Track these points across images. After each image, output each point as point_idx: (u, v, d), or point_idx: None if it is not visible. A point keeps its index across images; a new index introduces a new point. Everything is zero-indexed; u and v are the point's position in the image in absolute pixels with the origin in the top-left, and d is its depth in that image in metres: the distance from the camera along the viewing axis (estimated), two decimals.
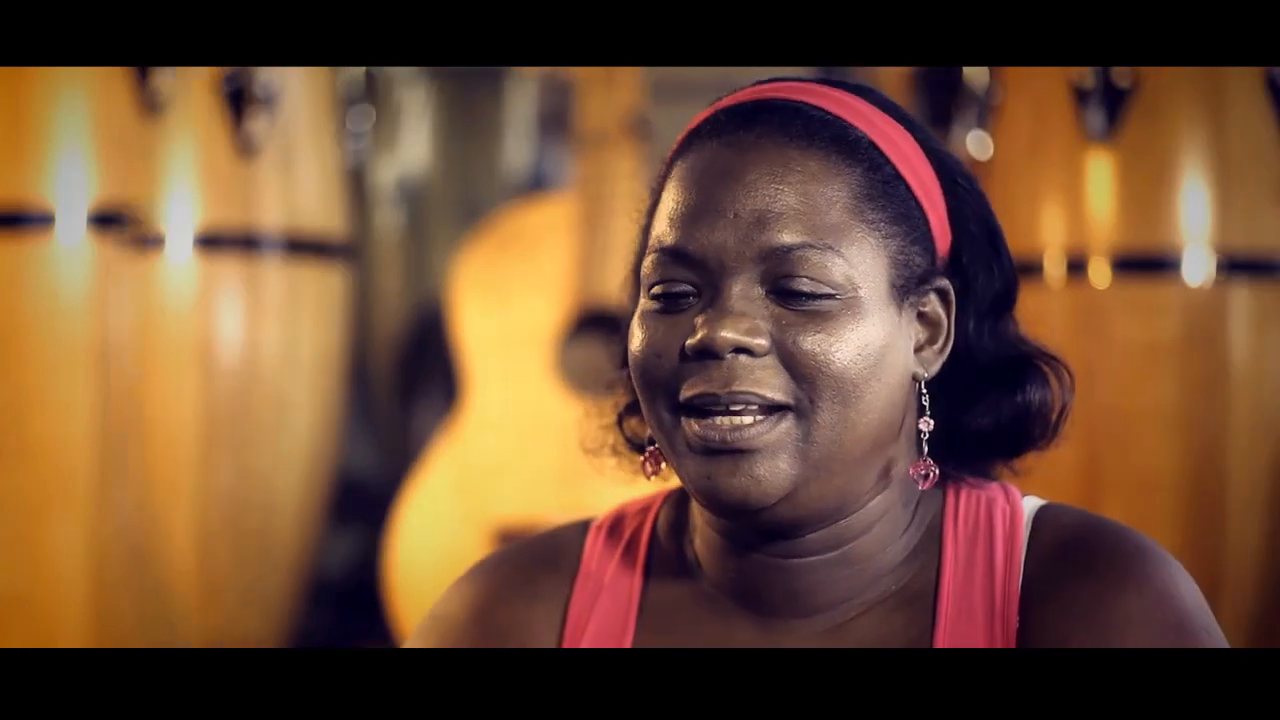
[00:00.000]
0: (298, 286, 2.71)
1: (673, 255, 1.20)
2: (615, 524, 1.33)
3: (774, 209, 1.18)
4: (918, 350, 1.23)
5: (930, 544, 1.26)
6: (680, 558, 1.29)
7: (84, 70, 2.30)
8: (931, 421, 1.23)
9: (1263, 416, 2.43)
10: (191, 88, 2.62)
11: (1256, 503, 2.43)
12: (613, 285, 2.95)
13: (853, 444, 1.19)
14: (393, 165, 3.62)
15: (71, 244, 2.34)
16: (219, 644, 2.63)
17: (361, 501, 3.35)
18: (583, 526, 1.34)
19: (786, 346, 1.17)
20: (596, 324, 2.98)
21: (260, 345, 2.66)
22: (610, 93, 3.00)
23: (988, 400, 1.26)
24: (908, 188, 1.22)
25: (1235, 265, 2.43)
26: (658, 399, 1.20)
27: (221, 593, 2.64)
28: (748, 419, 1.17)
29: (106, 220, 2.32)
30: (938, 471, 1.23)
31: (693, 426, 1.18)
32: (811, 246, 1.17)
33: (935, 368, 1.24)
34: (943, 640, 1.22)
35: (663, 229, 1.21)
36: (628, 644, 1.27)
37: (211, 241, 2.63)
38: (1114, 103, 2.44)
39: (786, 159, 1.19)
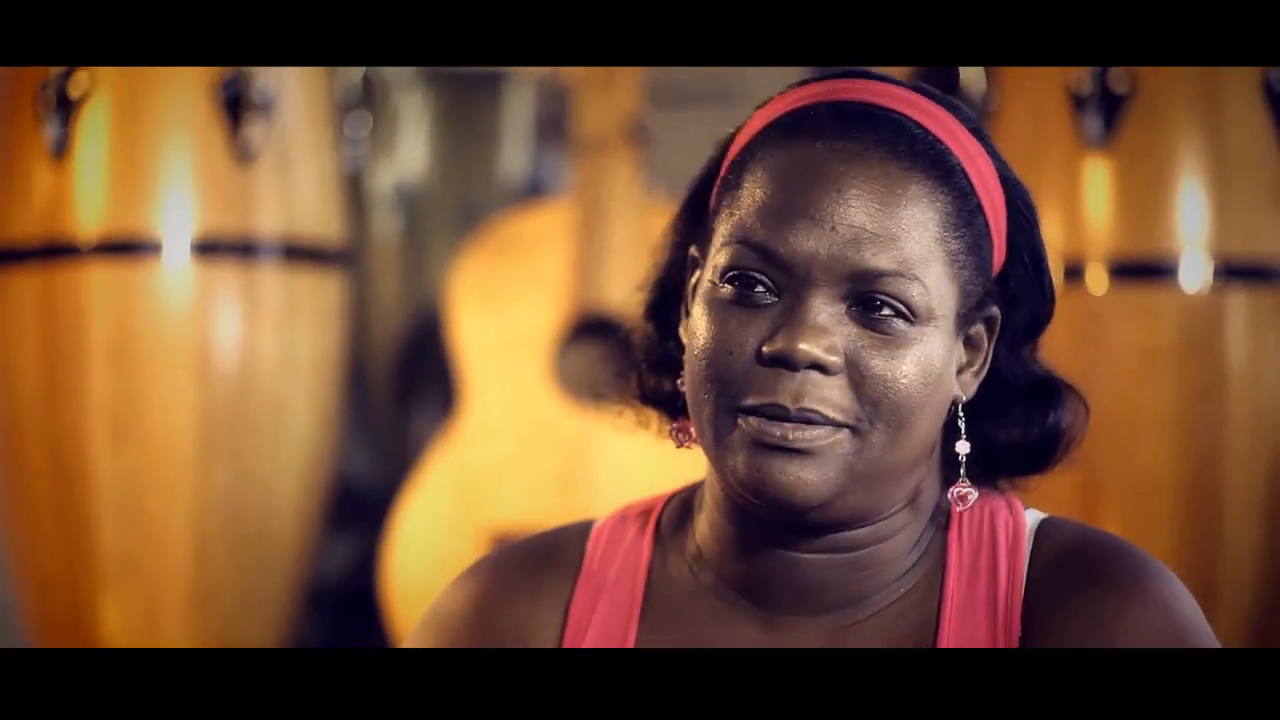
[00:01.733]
0: (295, 292, 2.70)
1: (759, 251, 1.19)
2: (618, 525, 1.33)
3: (870, 229, 1.18)
4: (959, 373, 1.24)
5: (936, 553, 1.27)
6: (683, 557, 1.29)
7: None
8: (968, 445, 1.24)
9: (1260, 421, 2.43)
10: (189, 93, 2.62)
11: (1254, 507, 2.43)
12: (610, 290, 2.95)
13: (896, 463, 1.20)
14: (390, 171, 3.62)
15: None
16: (216, 647, 2.63)
17: (359, 506, 3.35)
18: (584, 527, 1.34)
19: (859, 367, 1.18)
20: (594, 329, 2.98)
21: (258, 351, 2.66)
22: (608, 98, 3.00)
23: (1017, 416, 1.28)
24: (984, 217, 1.23)
25: (1232, 271, 2.43)
26: (717, 393, 1.20)
27: (219, 596, 2.64)
28: (808, 428, 1.18)
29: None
30: (976, 494, 1.24)
31: (753, 423, 1.19)
32: (900, 275, 1.18)
33: (972, 390, 1.25)
34: (944, 648, 1.23)
35: (750, 221, 1.20)
36: (630, 645, 1.27)
37: (209, 248, 2.62)
38: (1111, 108, 2.44)
39: (890, 178, 1.19)
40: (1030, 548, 1.25)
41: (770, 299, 1.19)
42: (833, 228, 1.17)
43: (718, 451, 1.21)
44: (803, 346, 1.17)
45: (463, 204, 3.65)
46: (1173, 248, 2.44)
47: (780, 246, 1.18)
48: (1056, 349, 1.33)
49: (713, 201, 1.25)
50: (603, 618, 1.28)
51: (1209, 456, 2.42)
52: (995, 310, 1.25)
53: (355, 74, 3.10)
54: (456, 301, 3.04)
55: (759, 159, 1.22)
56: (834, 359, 1.17)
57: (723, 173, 1.26)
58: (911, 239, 1.18)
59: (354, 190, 3.33)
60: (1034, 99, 2.52)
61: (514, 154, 3.68)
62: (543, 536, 1.35)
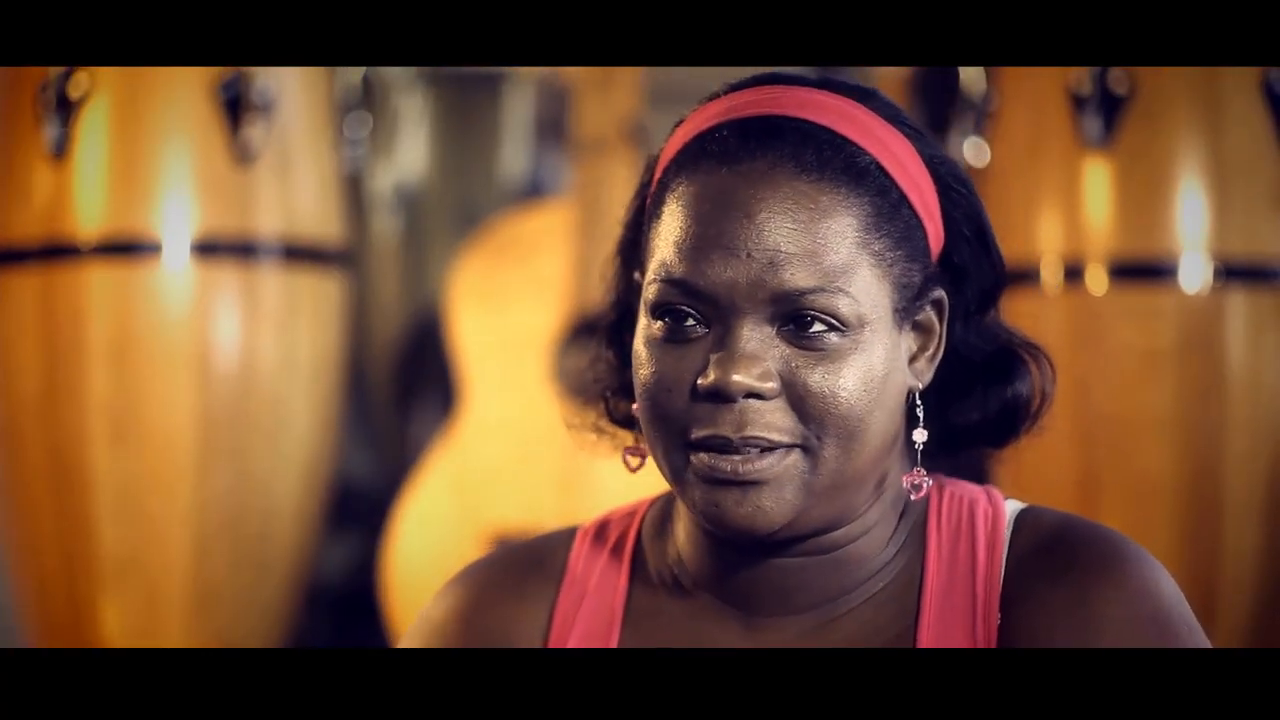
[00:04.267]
0: (295, 293, 2.70)
1: (681, 287, 1.19)
2: (601, 529, 1.34)
3: (786, 249, 1.17)
4: (911, 361, 1.24)
5: (914, 543, 1.27)
6: (665, 561, 1.30)
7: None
8: (925, 432, 1.24)
9: (1260, 422, 2.43)
10: (189, 93, 2.62)
11: (1254, 508, 2.43)
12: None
13: (854, 471, 1.20)
14: (390, 172, 3.62)
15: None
16: (216, 648, 2.63)
17: (359, 507, 3.35)
18: (569, 532, 1.35)
19: (796, 388, 1.18)
20: (594, 330, 2.97)
21: (258, 352, 2.66)
22: (607, 99, 3.00)
23: (975, 395, 1.28)
24: (910, 206, 1.22)
25: (1232, 272, 2.43)
26: (666, 432, 1.21)
27: (218, 597, 2.64)
28: (755, 453, 1.18)
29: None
30: (930, 482, 1.24)
31: (702, 458, 1.19)
32: (823, 290, 1.17)
33: (928, 376, 1.25)
34: (926, 639, 1.23)
35: (670, 257, 1.20)
36: (613, 646, 1.28)
37: (208, 248, 2.62)
38: (1111, 109, 2.44)
39: (798, 194, 1.18)
40: (1009, 537, 1.25)
41: (701, 330, 1.20)
42: (748, 254, 1.17)
43: (677, 486, 1.22)
44: (735, 378, 1.17)
45: (462, 205, 3.65)
46: (1173, 248, 2.44)
47: (700, 280, 1.18)
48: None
49: (645, 227, 1.26)
50: (586, 622, 1.29)
51: (1209, 457, 2.42)
52: (941, 292, 1.25)
53: (355, 74, 3.10)
54: (456, 302, 3.04)
55: (674, 189, 1.22)
56: (769, 385, 1.18)
57: (649, 198, 1.26)
58: (830, 251, 1.18)
59: (354, 190, 3.33)
60: (1034, 99, 2.52)
61: (514, 154, 3.68)
62: (529, 543, 1.36)
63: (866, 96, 1.25)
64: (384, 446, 3.60)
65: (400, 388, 3.59)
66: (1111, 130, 2.45)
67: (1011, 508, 1.28)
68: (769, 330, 1.18)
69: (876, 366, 1.19)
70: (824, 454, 1.18)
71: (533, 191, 3.64)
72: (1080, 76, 2.45)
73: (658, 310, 1.21)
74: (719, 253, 1.18)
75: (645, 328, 1.22)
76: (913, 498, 1.24)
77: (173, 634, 2.62)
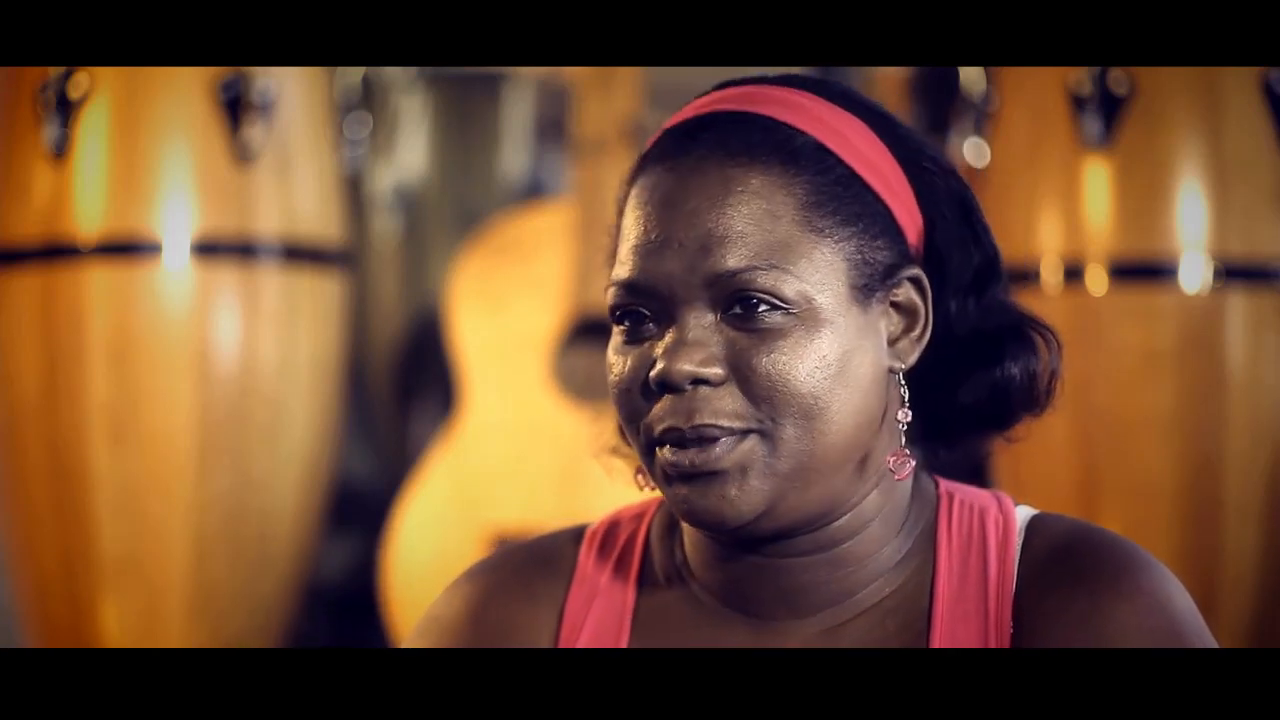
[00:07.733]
0: (295, 293, 2.70)
1: (629, 288, 1.21)
2: (609, 531, 1.34)
3: (717, 233, 1.19)
4: (893, 342, 1.23)
5: (924, 550, 1.26)
6: (672, 564, 1.30)
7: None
8: (910, 413, 1.24)
9: (1259, 423, 2.43)
10: (189, 93, 2.62)
11: (1253, 508, 2.43)
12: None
13: (823, 453, 1.20)
14: (390, 172, 3.62)
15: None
16: (216, 648, 2.63)
17: (359, 508, 3.35)
18: (578, 532, 1.35)
19: (743, 371, 1.18)
20: (594, 331, 2.98)
21: (257, 352, 2.66)
22: (608, 99, 3.00)
23: (970, 377, 1.27)
24: (863, 184, 1.22)
25: (1232, 272, 2.43)
26: (635, 433, 1.22)
27: (218, 599, 2.64)
28: (709, 444, 1.18)
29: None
30: (914, 463, 1.24)
31: (665, 454, 1.20)
32: (758, 268, 1.18)
33: (913, 358, 1.24)
34: (937, 646, 1.22)
35: (621, 261, 1.23)
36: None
37: (208, 249, 2.62)
38: (1111, 110, 2.44)
39: (727, 179, 1.20)
40: (1020, 544, 1.25)
41: (654, 329, 1.21)
42: (680, 244, 1.19)
43: (659, 487, 1.24)
44: (679, 366, 1.18)
45: (462, 205, 3.65)
46: (1172, 249, 2.44)
47: (640, 277, 1.21)
48: None
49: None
50: (594, 624, 1.29)
51: (1209, 457, 2.42)
52: (917, 270, 1.24)
53: (355, 74, 3.10)
54: (456, 303, 3.04)
55: (627, 197, 1.25)
56: (712, 369, 1.18)
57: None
58: (764, 230, 1.18)
59: (354, 191, 3.33)
60: (1034, 99, 2.52)
61: (514, 155, 3.68)
62: (538, 542, 1.36)
63: (817, 86, 1.26)
64: (384, 446, 3.60)
65: (400, 388, 3.59)
66: (1111, 130, 2.45)
67: (1022, 515, 1.27)
68: (711, 317, 1.19)
69: (831, 345, 1.18)
70: (782, 435, 1.18)
71: (533, 191, 3.64)
72: (1080, 76, 2.45)
73: (615, 314, 1.23)
74: (655, 247, 1.20)
75: (613, 335, 1.24)
76: (895, 478, 1.23)
77: (172, 634, 2.62)
